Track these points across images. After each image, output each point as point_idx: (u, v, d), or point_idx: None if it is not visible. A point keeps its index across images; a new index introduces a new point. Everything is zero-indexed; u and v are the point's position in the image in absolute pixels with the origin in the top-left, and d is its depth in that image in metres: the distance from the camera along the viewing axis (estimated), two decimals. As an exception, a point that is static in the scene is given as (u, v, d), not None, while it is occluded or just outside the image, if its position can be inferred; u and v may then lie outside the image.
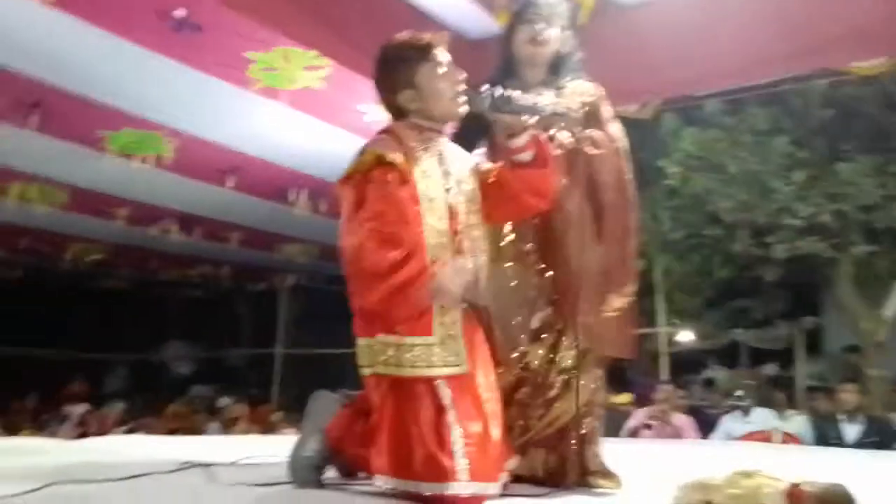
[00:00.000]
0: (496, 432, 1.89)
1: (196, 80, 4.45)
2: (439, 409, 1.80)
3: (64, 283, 10.21)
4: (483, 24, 4.39)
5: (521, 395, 2.20)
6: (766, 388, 7.53)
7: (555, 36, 2.35)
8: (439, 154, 2.00)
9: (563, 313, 2.21)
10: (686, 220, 6.62)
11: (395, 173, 1.84)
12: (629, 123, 7.16)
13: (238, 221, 7.57)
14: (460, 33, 4.67)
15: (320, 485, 2.01)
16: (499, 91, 1.97)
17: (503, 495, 1.91)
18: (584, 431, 2.19)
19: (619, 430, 5.64)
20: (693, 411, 7.14)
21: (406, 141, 1.91)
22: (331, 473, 2.07)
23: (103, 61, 4.27)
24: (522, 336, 2.20)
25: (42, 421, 7.88)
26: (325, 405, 2.12)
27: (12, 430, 6.66)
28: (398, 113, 2.00)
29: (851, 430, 4.96)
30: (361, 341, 1.92)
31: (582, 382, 2.16)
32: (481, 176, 2.08)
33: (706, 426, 6.12)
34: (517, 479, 2.10)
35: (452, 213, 1.94)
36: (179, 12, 3.83)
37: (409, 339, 1.83)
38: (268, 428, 6.79)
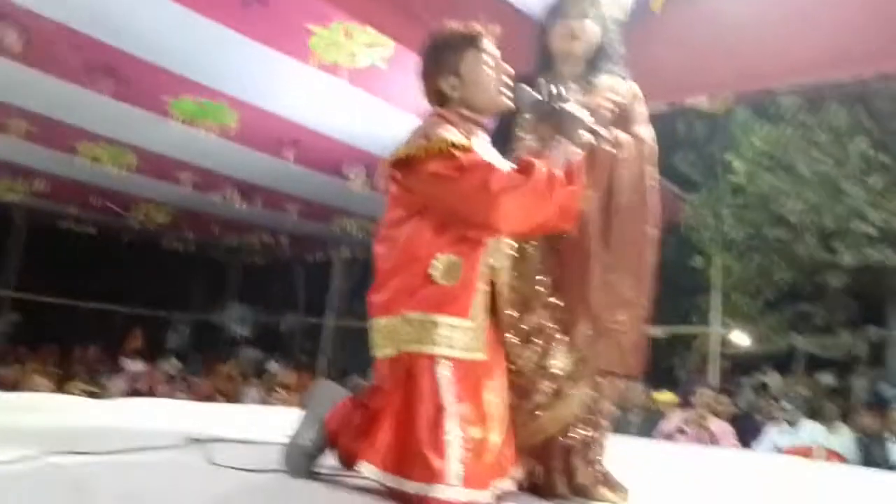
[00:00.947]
0: (496, 438, 1.84)
1: (260, 52, 4.53)
2: (439, 408, 1.76)
3: (132, 241, 10.59)
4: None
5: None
6: (819, 398, 7.26)
7: (591, 31, 2.28)
8: (480, 147, 1.98)
9: (560, 319, 2.11)
10: (749, 219, 6.37)
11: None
12: (698, 115, 7.00)
13: (295, 193, 7.70)
14: (529, 15, 4.61)
15: (311, 475, 1.98)
16: (555, 86, 1.94)
17: None
18: (575, 443, 2.10)
19: (653, 431, 5.53)
20: (740, 417, 6.95)
21: (457, 128, 1.90)
22: (331, 463, 2.04)
23: (174, 31, 4.38)
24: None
25: (97, 372, 8.22)
26: (328, 394, 2.10)
27: (65, 380, 6.98)
28: (439, 99, 1.97)
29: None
30: (381, 321, 1.88)
31: (573, 392, 2.07)
32: None
33: (753, 434, 5.94)
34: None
35: None
36: (249, -14, 3.89)
37: (438, 318, 1.81)
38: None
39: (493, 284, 1.97)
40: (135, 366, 8.41)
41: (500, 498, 1.87)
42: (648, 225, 2.19)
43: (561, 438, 2.10)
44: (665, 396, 6.25)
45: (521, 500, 2.02)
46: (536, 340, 2.09)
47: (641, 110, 2.29)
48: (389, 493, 1.77)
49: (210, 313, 13.25)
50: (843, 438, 5.36)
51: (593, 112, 2.12)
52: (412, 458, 1.73)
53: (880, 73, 5.37)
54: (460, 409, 1.77)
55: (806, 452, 5.04)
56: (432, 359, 1.80)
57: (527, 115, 2.16)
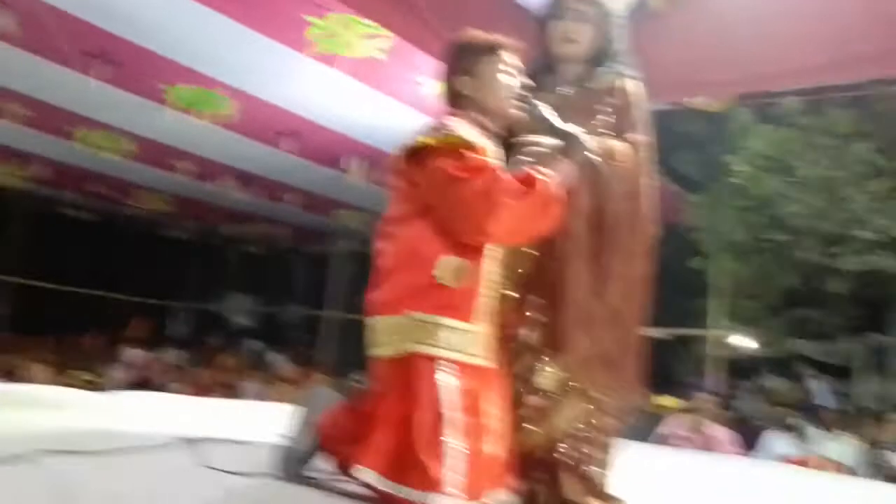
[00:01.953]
0: (493, 448, 1.82)
1: (256, 41, 4.50)
2: (438, 416, 1.74)
3: (131, 229, 10.59)
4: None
5: None
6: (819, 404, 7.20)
7: (587, 33, 2.22)
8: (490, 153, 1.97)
9: (548, 336, 2.07)
10: (750, 222, 6.30)
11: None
12: (699, 115, 6.93)
13: (293, 184, 7.69)
14: (530, 9, 4.56)
15: (302, 479, 1.96)
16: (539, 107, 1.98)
17: None
18: (563, 458, 2.05)
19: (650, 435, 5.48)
20: (739, 422, 6.90)
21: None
22: (324, 466, 2.02)
23: (169, 17, 4.35)
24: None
25: (95, 360, 8.21)
26: (323, 398, 2.09)
27: (64, 368, 6.96)
28: (454, 100, 1.99)
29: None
30: (383, 319, 1.86)
31: (559, 409, 2.03)
32: None
33: (751, 440, 5.88)
34: None
35: None
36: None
37: (441, 319, 1.79)
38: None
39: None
40: (135, 355, 8.40)
41: None
42: (644, 235, 2.13)
43: (549, 452, 2.06)
44: (667, 401, 6.19)
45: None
46: (524, 355, 2.05)
47: (640, 113, 2.22)
48: (384, 498, 1.75)
49: (209, 302, 13.26)
50: (844, 447, 5.30)
51: (589, 121, 2.09)
52: (410, 464, 1.71)
53: (882, 77, 5.33)
54: (459, 418, 1.75)
55: (807, 462, 4.99)
56: (433, 361, 1.78)
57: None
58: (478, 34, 1.99)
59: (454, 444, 1.72)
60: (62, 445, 1.97)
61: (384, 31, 4.25)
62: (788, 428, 5.47)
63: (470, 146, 1.81)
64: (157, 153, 6.86)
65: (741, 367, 8.85)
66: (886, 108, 5.63)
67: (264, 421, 2.77)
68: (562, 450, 2.05)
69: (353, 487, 1.84)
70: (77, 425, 2.50)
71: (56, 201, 9.41)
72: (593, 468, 2.08)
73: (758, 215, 6.24)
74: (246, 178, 7.56)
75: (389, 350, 1.83)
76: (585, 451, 2.07)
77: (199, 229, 11.01)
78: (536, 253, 2.08)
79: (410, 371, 1.78)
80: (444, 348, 1.78)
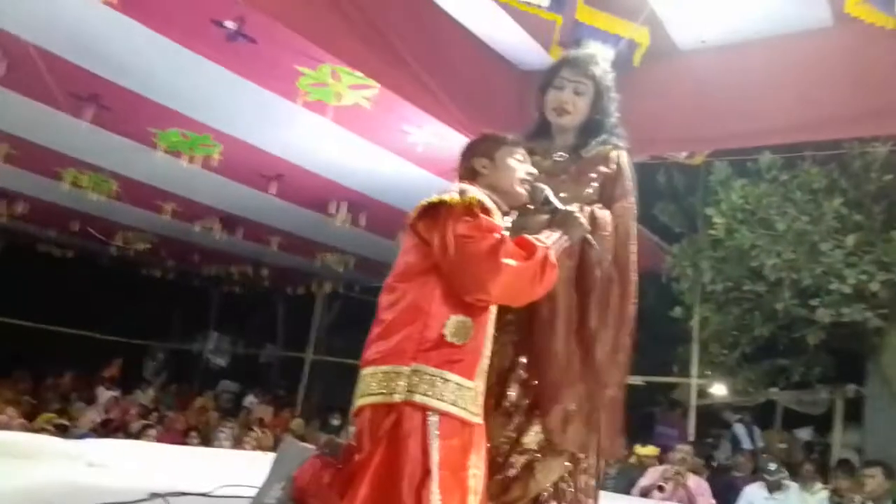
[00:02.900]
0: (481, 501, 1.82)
1: (246, 88, 4.58)
2: (426, 472, 1.73)
3: (112, 268, 10.51)
4: (536, 55, 4.38)
5: None
6: (797, 454, 7.22)
7: (582, 104, 2.26)
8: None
9: (534, 396, 2.08)
10: (728, 273, 6.40)
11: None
12: (679, 167, 7.05)
13: (278, 226, 7.73)
14: (513, 63, 4.69)
15: None
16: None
17: None
18: None
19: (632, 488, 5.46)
20: (718, 473, 6.89)
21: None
22: None
23: (159, 63, 4.42)
24: None
25: (69, 401, 8.06)
26: (296, 452, 2.07)
27: (37, 409, 6.83)
28: (469, 175, 2.11)
29: (874, 517, 4.69)
30: (383, 368, 1.84)
31: (542, 465, 2.02)
32: None
33: (731, 490, 5.87)
34: None
35: None
36: (233, 24, 3.94)
37: (449, 375, 1.82)
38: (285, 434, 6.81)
39: None
40: (110, 397, 8.25)
41: None
42: (630, 300, 2.16)
43: None
44: (647, 450, 6.19)
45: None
46: (512, 414, 2.07)
47: (626, 183, 2.26)
48: None
49: (188, 343, 13.11)
50: (818, 500, 5.30)
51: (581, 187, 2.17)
52: None
53: (856, 136, 5.50)
54: (444, 475, 1.74)
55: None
56: (425, 415, 1.78)
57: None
58: (500, 132, 2.18)
59: (439, 501, 1.71)
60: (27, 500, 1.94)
61: (371, 82, 4.34)
62: (769, 483, 5.44)
63: (485, 208, 1.92)
64: (143, 194, 6.88)
65: (721, 417, 8.88)
66: (860, 166, 5.80)
67: (238, 471, 2.78)
68: None
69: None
70: (48, 479, 2.46)
71: (37, 238, 9.34)
72: None
73: (736, 266, 6.34)
74: (229, 220, 7.59)
75: (385, 399, 1.81)
76: None
77: (180, 269, 10.95)
78: (526, 317, 2.10)
79: (402, 421, 1.78)
80: (448, 403, 1.80)
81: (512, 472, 2.03)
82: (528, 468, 2.03)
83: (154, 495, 2.28)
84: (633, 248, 2.20)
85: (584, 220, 2.05)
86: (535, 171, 2.12)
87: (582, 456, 2.11)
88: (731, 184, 5.93)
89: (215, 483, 2.57)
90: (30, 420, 6.10)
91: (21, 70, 4.48)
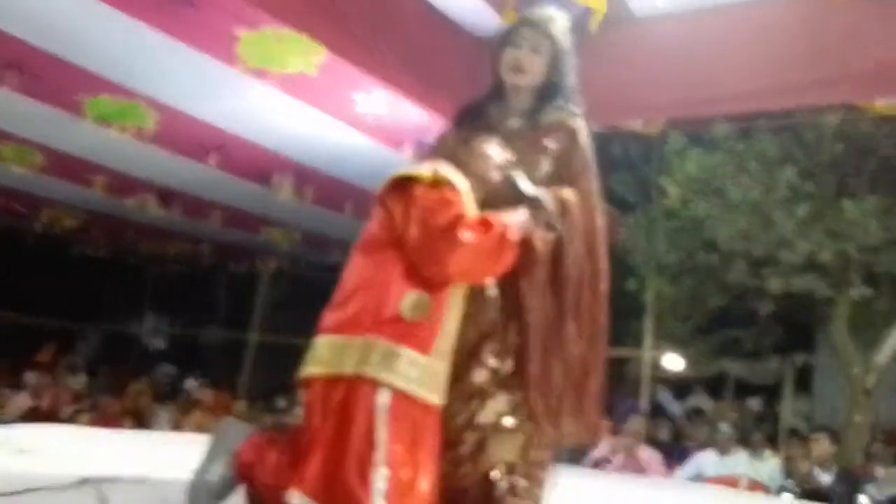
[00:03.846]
0: (425, 485, 1.82)
1: (183, 53, 4.30)
2: (371, 444, 1.74)
3: (37, 246, 9.93)
4: (489, 21, 4.28)
5: None
6: (748, 423, 7.39)
7: (539, 64, 2.23)
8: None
9: (503, 383, 2.06)
10: (682, 244, 6.43)
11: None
12: (633, 137, 7.01)
13: (219, 200, 7.41)
14: (465, 29, 4.54)
15: None
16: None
17: None
18: (498, 491, 2.01)
19: (583, 459, 5.49)
20: (670, 444, 6.99)
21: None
22: (236, 501, 1.96)
23: (87, 26, 4.11)
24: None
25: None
26: (237, 429, 2.05)
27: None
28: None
29: (822, 478, 4.80)
30: (336, 338, 1.85)
31: (493, 443, 2.02)
32: None
33: (683, 461, 5.95)
34: None
35: None
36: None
37: (401, 349, 1.81)
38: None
39: None
40: (40, 381, 7.82)
41: None
42: (601, 278, 2.17)
43: (484, 488, 2.03)
44: (598, 420, 6.19)
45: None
46: (475, 399, 2.04)
47: (586, 154, 2.23)
48: None
49: (123, 324, 12.63)
50: (768, 467, 5.40)
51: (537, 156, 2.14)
52: (338, 487, 1.71)
53: (810, 105, 5.55)
54: (393, 449, 1.75)
55: (733, 482, 5.07)
56: (375, 388, 1.77)
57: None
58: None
59: (383, 474, 1.72)
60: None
61: (316, 47, 4.13)
62: (719, 450, 5.53)
63: (453, 186, 1.93)
64: (71, 167, 6.46)
65: (674, 387, 9.04)
66: (813, 136, 5.86)
67: (177, 455, 2.67)
68: (498, 485, 2.03)
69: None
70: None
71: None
72: (528, 502, 2.09)
73: (689, 237, 6.38)
74: (166, 194, 7.23)
75: (334, 369, 1.81)
76: (521, 485, 2.06)
77: (113, 247, 10.43)
78: (496, 298, 2.10)
79: (351, 394, 1.78)
80: (399, 377, 1.79)
81: (464, 450, 2.02)
82: (480, 445, 2.03)
83: (85, 480, 2.20)
84: (601, 224, 2.20)
85: (549, 205, 2.04)
86: (511, 158, 2.10)
87: (536, 432, 2.10)
88: (686, 154, 5.93)
89: (152, 467, 2.51)
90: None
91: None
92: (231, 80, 4.53)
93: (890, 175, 6.10)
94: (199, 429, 6.23)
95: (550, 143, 2.20)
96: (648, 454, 5.51)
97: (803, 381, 8.20)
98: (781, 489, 4.96)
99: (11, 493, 1.93)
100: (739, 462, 5.42)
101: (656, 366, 7.88)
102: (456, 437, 2.01)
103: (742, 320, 7.29)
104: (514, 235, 1.93)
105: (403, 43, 4.21)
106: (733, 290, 6.49)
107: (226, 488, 1.95)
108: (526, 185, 2.06)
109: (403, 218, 1.89)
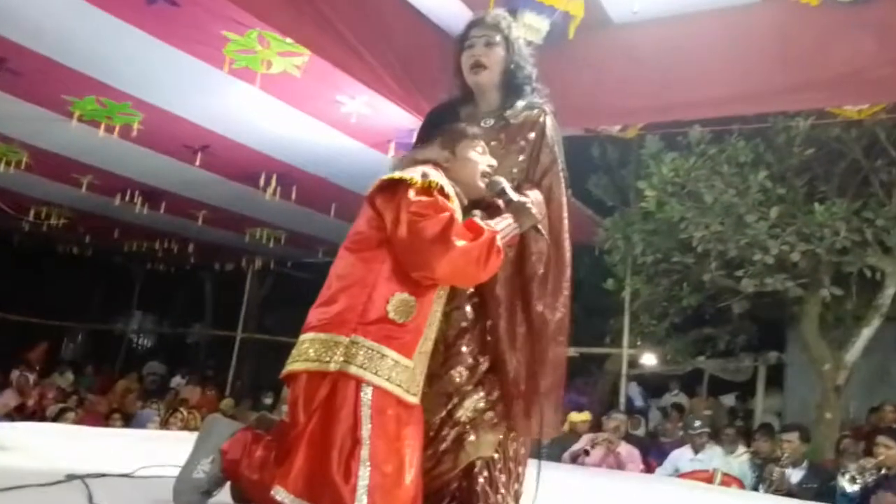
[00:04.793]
0: (408, 480, 1.82)
1: (168, 54, 4.36)
2: (356, 440, 1.74)
3: (24, 244, 9.94)
4: None
5: None
6: (721, 419, 7.53)
7: (496, 56, 2.26)
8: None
9: (480, 381, 2.10)
10: (658, 245, 6.54)
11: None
12: (611, 140, 7.11)
13: (205, 200, 7.48)
14: (447, 32, 4.61)
15: None
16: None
17: None
18: (477, 486, 2.05)
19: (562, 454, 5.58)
20: (649, 439, 7.13)
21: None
22: (223, 498, 1.97)
23: (74, 26, 4.15)
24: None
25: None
26: (223, 427, 2.05)
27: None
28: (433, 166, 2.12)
29: (794, 476, 4.93)
30: (323, 335, 1.84)
31: (472, 439, 2.04)
32: None
33: (659, 457, 6.07)
34: None
35: None
36: (154, -16, 3.72)
37: (386, 350, 1.82)
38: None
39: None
40: (27, 380, 7.81)
41: None
42: (565, 269, 2.20)
43: (464, 483, 2.06)
44: (580, 416, 6.31)
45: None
46: (454, 397, 2.07)
47: (554, 148, 2.26)
48: None
49: (110, 323, 12.61)
50: (741, 462, 5.53)
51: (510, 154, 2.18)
52: (322, 484, 1.71)
53: (782, 110, 5.68)
54: (376, 444, 1.76)
55: (708, 477, 5.18)
56: (359, 387, 1.78)
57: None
58: (459, 124, 2.19)
59: (367, 468, 1.73)
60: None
61: (301, 49, 4.20)
62: (695, 445, 5.65)
63: (443, 191, 1.95)
64: (58, 166, 6.52)
65: (651, 385, 9.18)
66: (784, 140, 5.99)
67: (164, 452, 2.69)
68: (477, 480, 2.06)
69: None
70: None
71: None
72: (507, 497, 2.11)
73: (665, 238, 6.48)
74: (152, 193, 7.28)
75: (319, 366, 1.82)
76: (500, 479, 2.09)
77: (100, 246, 10.44)
78: (472, 295, 2.14)
79: (335, 391, 1.79)
80: (383, 378, 1.80)
81: (443, 446, 2.04)
82: (459, 441, 2.05)
83: (71, 477, 2.18)
84: (566, 218, 2.24)
85: (535, 211, 2.07)
86: (494, 163, 2.12)
87: (524, 430, 2.14)
88: (661, 157, 6.03)
89: (138, 464, 2.49)
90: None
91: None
92: (217, 81, 4.60)
93: (858, 179, 6.26)
94: (186, 426, 6.28)
95: (522, 141, 2.24)
96: (627, 450, 5.60)
97: (775, 379, 8.36)
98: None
99: (-2, 492, 1.92)
100: (714, 457, 5.54)
101: (634, 363, 8.02)
102: (436, 433, 2.04)
103: (716, 319, 7.41)
104: (501, 241, 1.96)
105: (387, 46, 4.26)
106: (708, 289, 6.61)
107: (212, 485, 1.96)
108: (512, 191, 2.09)
109: (394, 220, 1.89)
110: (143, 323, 12.60)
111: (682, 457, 5.70)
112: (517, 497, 2.15)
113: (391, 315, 1.85)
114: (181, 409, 6.49)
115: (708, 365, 8.54)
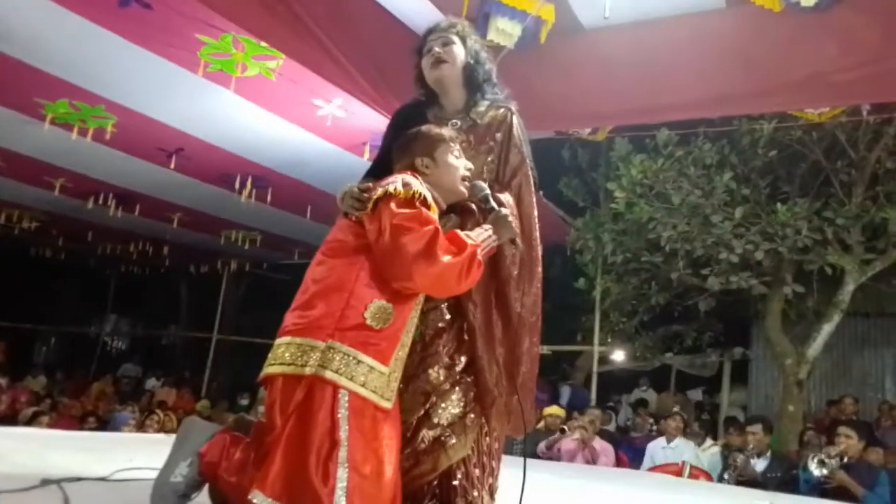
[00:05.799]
0: (386, 480, 1.83)
1: (142, 57, 4.37)
2: (334, 442, 1.74)
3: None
4: None
5: None
6: (689, 413, 7.71)
7: (455, 52, 2.27)
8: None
9: (458, 381, 2.12)
10: (628, 245, 6.69)
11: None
12: (582, 143, 7.21)
13: (180, 202, 7.46)
14: (420, 36, 4.66)
15: None
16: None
17: None
18: (457, 483, 2.07)
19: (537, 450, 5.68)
20: (621, 434, 7.27)
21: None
22: (202, 500, 1.95)
23: (46, 29, 4.15)
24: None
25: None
26: (201, 429, 2.03)
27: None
28: (409, 171, 2.10)
29: (758, 465, 5.10)
30: (299, 339, 1.83)
31: (452, 443, 2.05)
32: None
33: (630, 450, 6.21)
34: None
35: None
36: (127, -13, 3.75)
37: (362, 357, 1.82)
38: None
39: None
40: (-1, 384, 7.76)
41: None
42: (537, 266, 2.23)
43: (440, 482, 2.07)
44: (553, 410, 6.42)
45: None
46: (432, 397, 2.08)
47: (522, 148, 2.29)
48: None
49: (84, 326, 12.48)
50: (709, 455, 5.69)
51: (480, 155, 2.20)
52: (301, 486, 1.70)
53: (746, 114, 5.84)
54: (354, 446, 1.75)
55: (678, 470, 5.33)
56: (336, 391, 1.78)
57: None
58: (436, 128, 2.16)
59: (345, 470, 1.72)
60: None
61: (275, 52, 4.24)
62: (667, 438, 5.80)
63: (426, 203, 1.94)
64: (30, 168, 6.48)
65: (621, 380, 9.36)
66: (748, 143, 6.17)
67: (141, 455, 2.65)
68: (455, 476, 2.08)
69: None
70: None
71: None
72: (485, 493, 2.13)
73: (635, 238, 6.62)
74: (126, 195, 7.25)
75: (295, 370, 1.80)
76: (475, 474, 2.11)
77: (74, 248, 10.35)
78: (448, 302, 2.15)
79: (312, 394, 1.78)
80: (358, 384, 1.80)
81: (422, 447, 2.04)
82: (439, 443, 2.05)
83: (46, 482, 2.15)
84: (536, 217, 2.27)
85: (515, 223, 2.08)
86: (471, 166, 2.13)
87: (501, 429, 2.18)
88: (631, 159, 6.16)
89: (114, 467, 2.46)
90: None
91: None
92: (191, 84, 4.62)
93: (819, 179, 6.47)
94: (162, 428, 6.27)
95: (490, 141, 2.24)
96: (602, 445, 5.71)
97: (740, 373, 8.58)
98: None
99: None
100: (686, 450, 5.69)
101: (604, 360, 8.18)
102: (413, 433, 2.03)
103: (683, 316, 7.59)
104: (481, 254, 1.95)
105: (361, 49, 4.27)
106: (675, 288, 6.78)
107: (190, 488, 1.93)
108: (492, 199, 2.09)
109: (377, 230, 1.88)
110: (117, 325, 12.49)
111: (656, 446, 5.85)
112: (492, 491, 2.17)
113: (369, 321, 1.84)
114: (157, 411, 6.48)
115: (676, 361, 8.73)
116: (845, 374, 7.81)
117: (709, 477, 5.40)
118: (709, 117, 5.84)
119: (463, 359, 2.13)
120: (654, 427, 6.75)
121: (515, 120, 2.30)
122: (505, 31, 4.33)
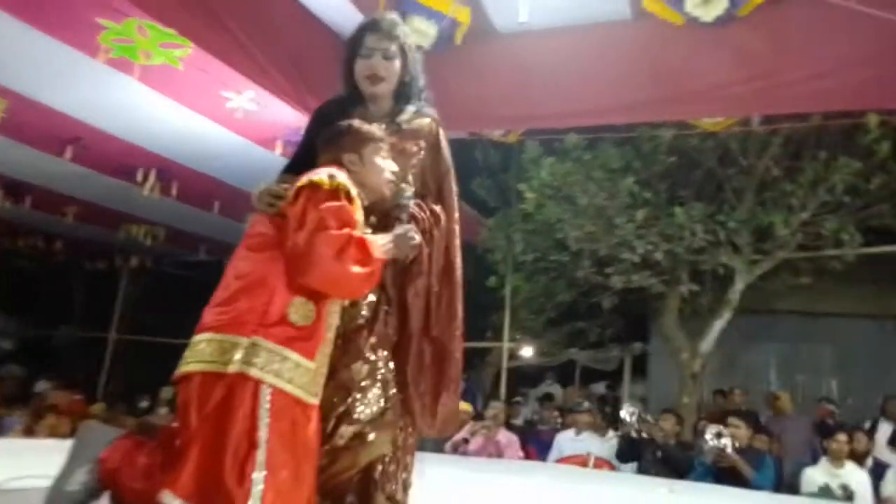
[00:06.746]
0: (304, 484, 1.82)
1: (36, 39, 4.11)
2: (252, 444, 1.71)
3: None
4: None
5: None
6: (593, 406, 8.01)
7: (394, 70, 2.25)
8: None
9: (382, 378, 2.13)
10: (537, 245, 6.92)
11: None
12: (493, 144, 7.37)
13: (75, 195, 7.08)
14: (337, 32, 4.63)
15: None
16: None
17: None
18: (376, 478, 2.11)
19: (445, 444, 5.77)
20: (528, 427, 7.47)
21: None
22: None
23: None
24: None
25: None
26: (100, 434, 1.96)
27: None
28: (334, 166, 2.07)
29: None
30: (220, 336, 1.80)
31: (371, 438, 2.05)
32: None
33: (538, 443, 6.39)
34: None
35: None
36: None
37: (288, 353, 1.80)
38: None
39: None
40: None
41: None
42: (458, 281, 2.27)
43: (360, 476, 2.09)
44: (462, 406, 6.51)
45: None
46: (353, 392, 2.07)
47: (448, 158, 2.32)
48: None
49: (-36, 325, 11.59)
50: (611, 445, 5.94)
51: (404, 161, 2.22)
52: (214, 487, 1.67)
53: (650, 121, 6.14)
54: (272, 449, 1.73)
55: (583, 461, 5.54)
56: (258, 389, 1.75)
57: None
58: (365, 126, 2.13)
59: (262, 473, 1.70)
60: None
61: (183, 40, 4.09)
62: (574, 430, 6.01)
63: (350, 197, 1.92)
64: None
65: (528, 375, 9.62)
66: (650, 148, 6.49)
67: (32, 462, 2.53)
68: (375, 469, 2.10)
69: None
70: None
71: None
72: (399, 487, 2.17)
73: (544, 238, 6.86)
74: (15, 186, 6.82)
75: (216, 367, 1.77)
76: (391, 470, 2.14)
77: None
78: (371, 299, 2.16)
79: (232, 393, 1.75)
80: (283, 380, 1.78)
81: (341, 443, 2.03)
82: (358, 439, 2.04)
83: None
84: (457, 222, 2.32)
85: (417, 242, 2.09)
86: (397, 168, 2.13)
87: (422, 426, 2.22)
88: (540, 162, 6.36)
89: (3, 475, 2.36)
90: None
91: None
92: (91, 70, 4.40)
93: (713, 185, 6.88)
94: (54, 433, 5.93)
95: (414, 147, 2.25)
96: (507, 437, 5.85)
97: (640, 367, 9.03)
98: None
99: None
100: (592, 441, 5.92)
101: (513, 356, 8.38)
102: (333, 429, 2.01)
103: (588, 313, 7.90)
104: (381, 259, 1.96)
105: (276, 42, 4.23)
106: (581, 285, 7.07)
107: (89, 496, 1.86)
108: (409, 209, 2.13)
109: (298, 222, 1.85)
110: (3, 325, 11.66)
111: (565, 438, 6.05)
112: (406, 486, 2.20)
113: (291, 318, 1.83)
114: (49, 414, 6.13)
115: (580, 356, 9.07)
116: (735, 367, 8.34)
117: (612, 466, 5.65)
118: (615, 124, 6.08)
119: (384, 355, 2.13)
120: (560, 420, 6.97)
121: (441, 131, 2.33)
122: (421, 30, 4.39)
